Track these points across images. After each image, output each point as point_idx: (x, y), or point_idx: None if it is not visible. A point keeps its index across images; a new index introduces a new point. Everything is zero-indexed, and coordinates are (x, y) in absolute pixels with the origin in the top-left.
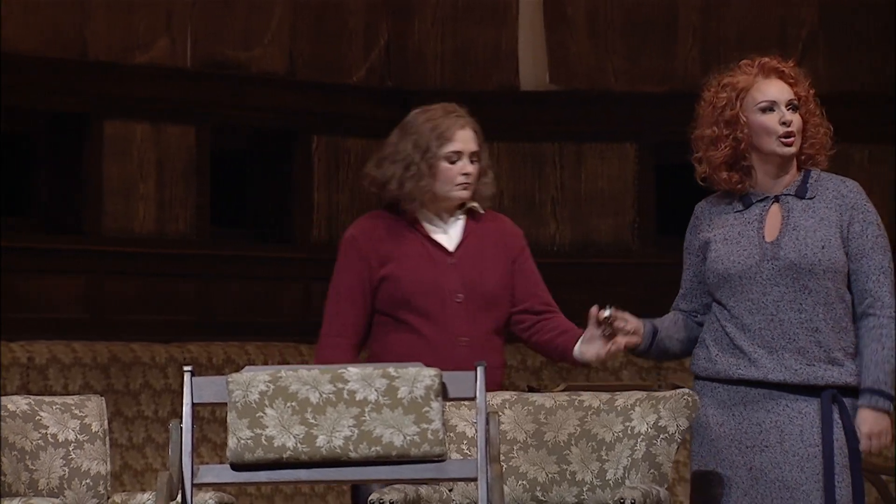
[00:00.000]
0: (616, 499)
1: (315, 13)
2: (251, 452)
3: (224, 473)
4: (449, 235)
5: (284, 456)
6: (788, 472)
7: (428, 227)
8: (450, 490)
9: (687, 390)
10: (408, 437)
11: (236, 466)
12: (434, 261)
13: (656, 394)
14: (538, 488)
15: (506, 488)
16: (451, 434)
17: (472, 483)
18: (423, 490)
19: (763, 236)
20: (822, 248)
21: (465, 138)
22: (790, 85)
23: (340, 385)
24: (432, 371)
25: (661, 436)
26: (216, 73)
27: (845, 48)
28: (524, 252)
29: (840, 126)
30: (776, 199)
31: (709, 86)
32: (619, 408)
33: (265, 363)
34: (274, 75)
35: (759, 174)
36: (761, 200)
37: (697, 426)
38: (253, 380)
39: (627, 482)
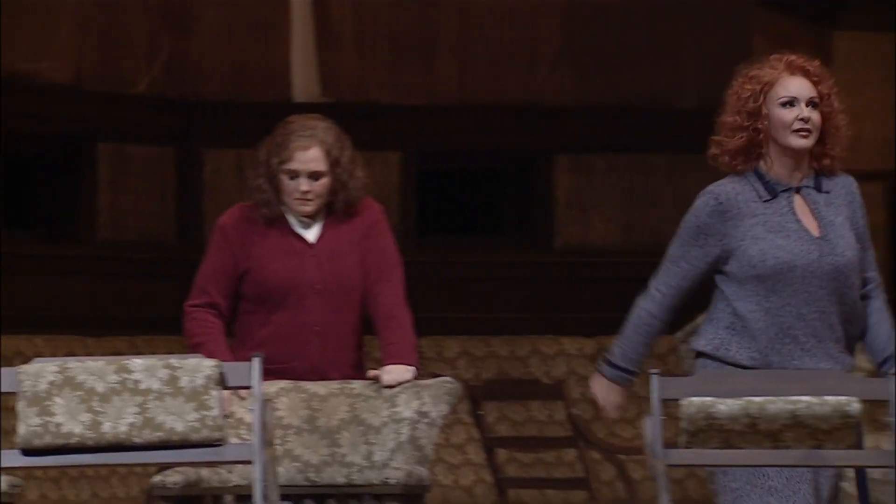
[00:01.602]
0: (382, 479)
1: (100, 28)
2: (40, 438)
3: (14, 458)
4: (312, 228)
5: (72, 441)
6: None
7: (292, 220)
8: (229, 472)
9: (448, 378)
10: (188, 424)
11: (26, 451)
12: (295, 253)
13: (420, 381)
14: (311, 470)
15: (280, 470)
16: (231, 420)
17: (250, 465)
18: (204, 472)
19: (806, 229)
20: (854, 247)
21: (304, 159)
22: (814, 83)
23: (125, 375)
24: (212, 362)
25: (424, 420)
26: (7, 82)
27: (590, 64)
28: (376, 226)
29: (587, 136)
30: (797, 190)
31: (737, 76)
32: (385, 395)
33: (53, 355)
34: (61, 86)
35: (777, 165)
36: (785, 191)
37: None
38: (42, 370)
39: (393, 463)
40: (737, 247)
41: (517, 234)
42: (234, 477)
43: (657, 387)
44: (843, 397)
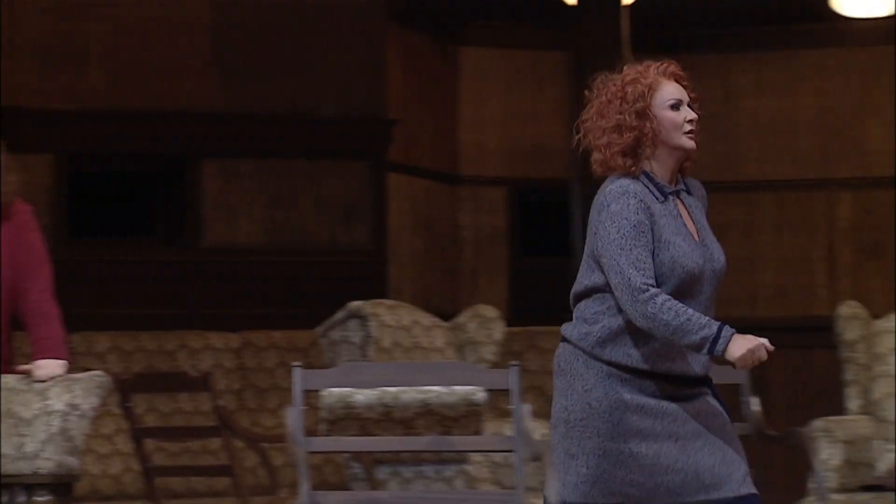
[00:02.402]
0: (33, 469)
1: None
2: None
3: None
4: None
5: None
6: (715, 430)
7: None
8: None
9: (98, 372)
10: None
11: None
12: None
13: (71, 375)
14: None
15: None
16: None
17: None
18: None
19: (691, 234)
20: (723, 251)
21: None
22: (685, 88)
23: None
24: None
25: (75, 412)
26: None
27: (236, 74)
28: (25, 226)
29: (234, 142)
30: (676, 194)
31: (604, 83)
32: (37, 388)
33: None
34: None
35: (659, 168)
36: (672, 193)
37: (614, 409)
38: None
39: (43, 454)
40: (653, 248)
41: (167, 234)
42: None
43: (299, 379)
44: (470, 387)
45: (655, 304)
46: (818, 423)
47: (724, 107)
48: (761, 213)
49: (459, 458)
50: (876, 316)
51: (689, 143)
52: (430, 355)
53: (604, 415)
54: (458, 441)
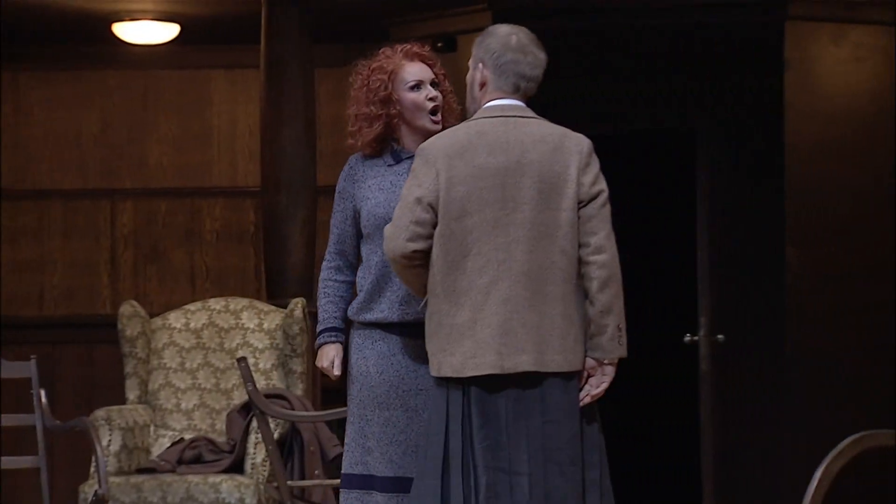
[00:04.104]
0: None
1: None
2: None
3: None
4: None
5: None
6: None
7: None
8: None
9: None
10: None
11: None
12: None
13: None
14: None
15: None
16: None
17: None
18: None
19: None
20: None
21: None
22: (429, 66)
23: None
24: None
25: None
26: None
27: None
28: None
29: None
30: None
31: (359, 71)
32: None
33: None
34: None
35: (407, 141)
36: (409, 158)
37: (357, 374)
38: None
39: None
40: (360, 207)
41: None
42: None
43: None
44: None
45: (323, 274)
46: (100, 412)
47: (16, 119)
48: (50, 219)
49: None
50: (153, 314)
51: (432, 126)
52: None
53: (355, 383)
54: None
